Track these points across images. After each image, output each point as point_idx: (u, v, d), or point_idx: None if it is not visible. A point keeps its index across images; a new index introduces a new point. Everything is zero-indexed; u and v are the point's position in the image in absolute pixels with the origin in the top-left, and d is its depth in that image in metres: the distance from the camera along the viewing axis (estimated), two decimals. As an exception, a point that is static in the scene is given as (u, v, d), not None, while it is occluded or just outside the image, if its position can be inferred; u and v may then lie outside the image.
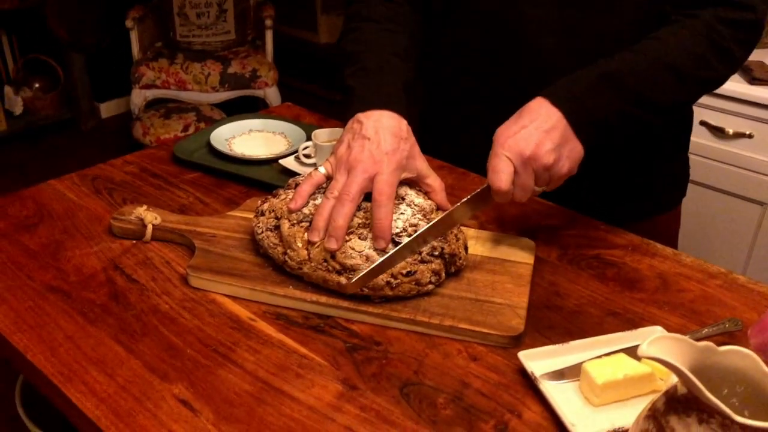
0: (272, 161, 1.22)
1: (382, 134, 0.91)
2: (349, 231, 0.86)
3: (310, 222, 0.89)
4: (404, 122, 0.95)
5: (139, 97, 3.40)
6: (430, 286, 0.87)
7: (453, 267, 0.90)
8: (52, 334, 0.83)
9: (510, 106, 0.92)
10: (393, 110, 0.95)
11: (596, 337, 0.83)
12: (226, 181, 1.18)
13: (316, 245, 0.87)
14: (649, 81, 0.93)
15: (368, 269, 0.84)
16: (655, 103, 0.95)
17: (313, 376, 0.78)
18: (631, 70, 0.93)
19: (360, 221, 0.87)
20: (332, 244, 0.85)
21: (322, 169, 0.92)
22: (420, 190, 0.95)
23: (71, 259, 0.96)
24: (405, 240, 0.86)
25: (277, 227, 0.91)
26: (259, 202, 0.98)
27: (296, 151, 1.23)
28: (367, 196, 0.89)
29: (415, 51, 1.09)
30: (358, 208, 0.88)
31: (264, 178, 1.17)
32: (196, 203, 1.11)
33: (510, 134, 0.89)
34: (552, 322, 0.88)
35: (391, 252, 0.85)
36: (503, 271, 0.94)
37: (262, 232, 0.92)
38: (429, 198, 0.94)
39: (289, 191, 0.94)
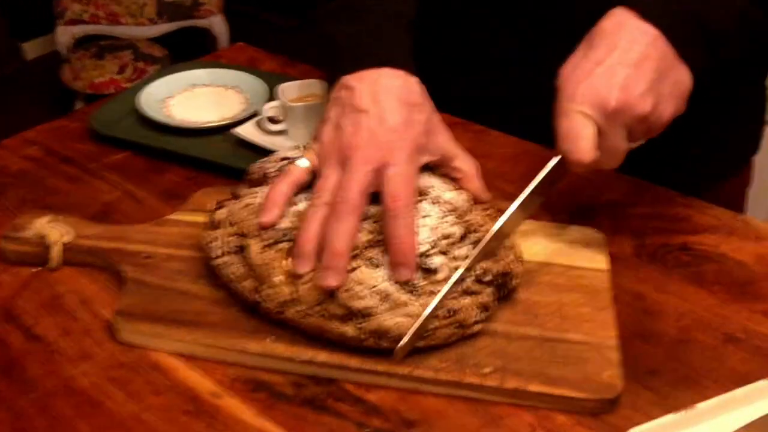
0: (225, 129, 0.91)
1: (385, 102, 0.61)
2: (353, 254, 0.57)
3: (293, 241, 0.59)
4: (414, 80, 0.65)
5: (65, 34, 2.96)
6: (477, 327, 0.59)
7: (505, 290, 0.62)
8: None
9: (544, 27, 0.63)
10: (396, 66, 0.64)
11: (732, 394, 0.56)
12: (165, 163, 0.86)
13: (304, 279, 0.58)
14: None
15: (419, 321, 0.56)
16: None
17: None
18: None
19: (368, 238, 0.58)
20: (330, 281, 0.56)
21: (303, 162, 0.62)
22: (445, 176, 0.66)
23: (-59, 307, 0.66)
24: (437, 261, 0.58)
25: (241, 249, 0.61)
26: (211, 205, 0.68)
27: (256, 114, 0.91)
28: (374, 197, 0.59)
29: None
30: (363, 217, 0.58)
31: (216, 156, 0.85)
32: (124, 200, 0.80)
33: (581, 77, 0.60)
34: (652, 361, 0.61)
35: (444, 290, 0.57)
36: (571, 284, 0.66)
37: (220, 256, 0.62)
38: (460, 186, 0.65)
39: (257, 193, 0.64)
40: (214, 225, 0.65)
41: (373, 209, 0.59)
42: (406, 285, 0.57)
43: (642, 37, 0.60)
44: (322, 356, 0.58)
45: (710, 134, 0.89)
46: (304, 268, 0.57)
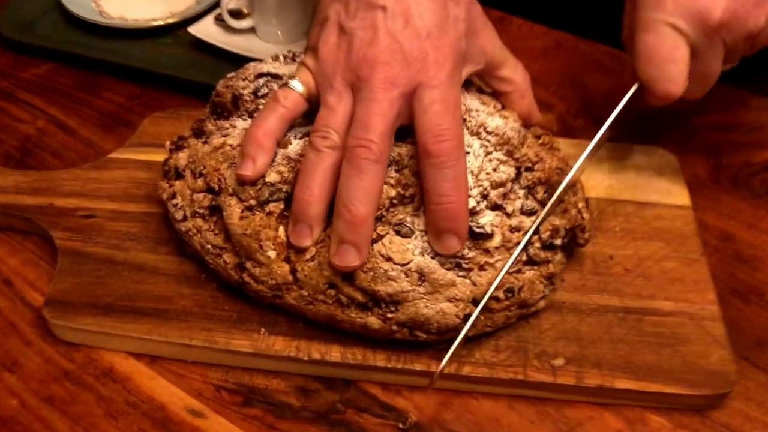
0: (176, 28, 0.71)
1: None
2: (378, 216, 0.41)
3: (288, 200, 0.42)
4: None
5: None
6: (542, 304, 0.44)
7: (572, 249, 0.47)
8: None
9: None
10: None
11: None
12: (100, 77, 0.67)
13: (308, 255, 0.41)
14: None
15: (473, 317, 0.41)
16: None
17: None
18: None
19: (394, 193, 0.41)
20: (348, 259, 0.40)
21: (295, 85, 0.44)
22: (489, 94, 0.49)
23: None
24: (488, 220, 0.42)
25: (216, 209, 0.44)
26: (168, 143, 0.50)
27: (215, 6, 0.71)
28: (399, 132, 0.42)
29: None
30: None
31: (167, 66, 0.66)
32: (49, 132, 0.61)
33: None
34: (758, 328, 0.47)
35: (508, 265, 0.41)
36: (648, 229, 0.51)
37: (185, 219, 0.46)
38: (507, 104, 0.48)
39: (229, 129, 0.46)
40: (171, 172, 0.47)
41: (399, 149, 0.42)
42: (449, 257, 0.41)
43: None
44: (335, 353, 0.43)
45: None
46: (306, 240, 0.41)
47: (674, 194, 0.53)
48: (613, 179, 0.54)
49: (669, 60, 0.45)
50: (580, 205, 0.46)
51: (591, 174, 0.54)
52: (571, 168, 0.46)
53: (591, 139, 0.59)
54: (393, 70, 0.40)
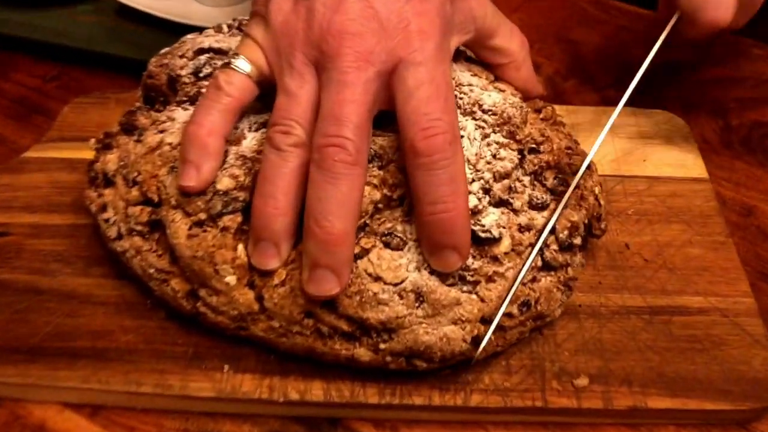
0: (97, -7, 0.61)
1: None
2: (361, 225, 0.33)
3: (246, 211, 0.34)
4: None
5: None
6: (558, 312, 0.37)
7: (588, 243, 0.40)
8: None
9: None
10: None
11: None
12: (10, 54, 0.57)
13: (276, 279, 0.34)
14: None
15: (486, 339, 0.34)
16: None
17: None
18: None
19: (379, 195, 0.34)
20: (326, 285, 0.32)
21: (241, 64, 0.35)
22: (478, 62, 0.41)
23: None
24: (493, 220, 0.35)
25: (158, 224, 0.36)
26: (93, 142, 0.41)
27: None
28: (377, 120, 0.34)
29: None
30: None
31: (89, 40, 0.56)
32: (-49, 126, 0.52)
33: None
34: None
35: (522, 274, 0.34)
36: (665, 209, 0.44)
37: (120, 238, 0.37)
38: (502, 77, 0.40)
39: (166, 122, 0.37)
40: (99, 179, 0.38)
41: (380, 140, 0.35)
42: (458, 280, 0.33)
43: None
44: (317, 390, 0.36)
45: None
46: (272, 261, 0.33)
47: (689, 165, 0.47)
48: (618, 150, 0.47)
49: None
50: (597, 190, 0.39)
51: (591, 144, 0.47)
52: (581, 146, 0.39)
53: (585, 104, 0.52)
54: (366, 43, 0.32)
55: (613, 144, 0.48)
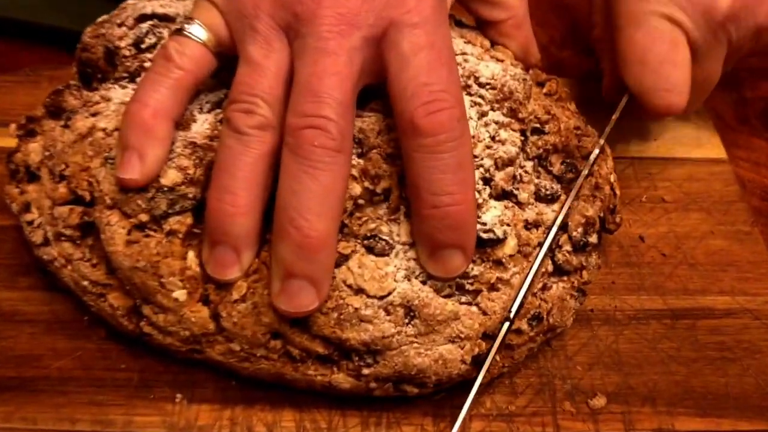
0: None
1: None
2: (342, 228, 0.27)
3: (198, 211, 0.28)
4: None
5: None
6: (569, 322, 0.32)
7: (601, 240, 0.35)
8: None
9: None
10: None
11: None
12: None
13: (236, 294, 0.28)
14: None
15: (488, 360, 0.29)
16: None
17: None
18: None
19: (360, 190, 0.28)
20: (301, 299, 0.26)
21: (195, 31, 0.29)
22: (470, 27, 0.35)
23: None
24: (494, 216, 0.29)
25: (91, 227, 0.30)
26: (14, 128, 0.34)
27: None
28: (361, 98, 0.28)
29: None
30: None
31: (16, 8, 0.49)
32: None
33: None
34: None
35: (528, 280, 0.29)
36: (681, 195, 0.39)
37: (47, 243, 0.31)
38: (498, 38, 0.34)
39: (101, 102, 0.31)
40: (21, 173, 0.32)
41: (360, 123, 0.29)
42: (449, 280, 0.28)
43: None
44: (287, 421, 0.30)
45: None
46: (231, 270, 0.27)
47: (704, 144, 0.42)
48: (627, 132, 0.42)
49: (667, 62, 0.35)
50: (612, 177, 0.33)
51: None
52: (592, 128, 0.33)
53: (584, 76, 0.47)
54: (350, 3, 0.26)
55: (620, 124, 0.42)
